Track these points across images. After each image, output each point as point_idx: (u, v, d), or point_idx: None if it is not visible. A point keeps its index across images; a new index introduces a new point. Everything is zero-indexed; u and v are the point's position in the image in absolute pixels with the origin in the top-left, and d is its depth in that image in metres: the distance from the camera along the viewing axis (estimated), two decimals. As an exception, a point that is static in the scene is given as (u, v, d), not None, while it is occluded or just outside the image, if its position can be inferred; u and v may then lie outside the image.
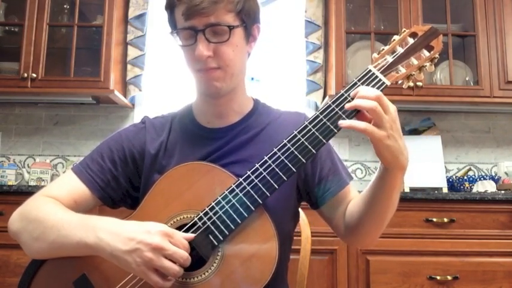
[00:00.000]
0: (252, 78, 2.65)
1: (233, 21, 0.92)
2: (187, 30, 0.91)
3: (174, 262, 0.78)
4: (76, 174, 0.98)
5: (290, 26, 2.76)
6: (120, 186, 1.01)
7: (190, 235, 0.83)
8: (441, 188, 2.43)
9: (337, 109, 0.84)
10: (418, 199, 2.08)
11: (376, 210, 0.90)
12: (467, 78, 2.55)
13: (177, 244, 0.79)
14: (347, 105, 0.81)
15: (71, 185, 0.97)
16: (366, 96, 0.79)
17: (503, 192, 2.26)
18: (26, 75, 2.37)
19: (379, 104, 0.78)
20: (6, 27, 2.68)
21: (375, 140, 0.80)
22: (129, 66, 2.62)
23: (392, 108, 0.81)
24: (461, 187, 2.49)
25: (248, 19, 0.95)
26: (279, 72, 2.75)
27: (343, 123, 0.80)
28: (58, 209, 0.90)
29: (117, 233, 0.80)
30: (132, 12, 2.62)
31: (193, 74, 0.97)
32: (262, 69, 2.69)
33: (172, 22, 0.96)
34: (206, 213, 0.85)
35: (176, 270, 0.77)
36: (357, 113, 0.83)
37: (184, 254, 0.78)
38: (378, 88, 0.86)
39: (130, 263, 0.77)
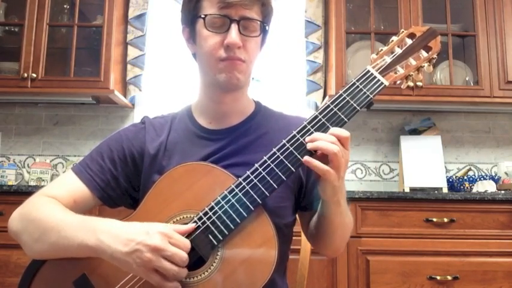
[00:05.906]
0: (252, 78, 2.65)
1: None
2: (220, 18, 0.92)
3: (174, 263, 0.78)
4: (76, 174, 0.98)
5: (290, 26, 2.76)
6: (120, 186, 1.00)
7: (190, 226, 0.83)
8: (441, 188, 2.43)
9: (335, 109, 0.86)
10: (418, 199, 2.08)
11: (329, 231, 0.96)
12: (467, 78, 2.55)
13: (177, 244, 0.78)
14: (309, 146, 0.82)
15: (71, 184, 0.97)
16: (330, 140, 0.81)
17: (503, 192, 2.26)
18: (26, 75, 2.37)
19: (342, 145, 0.81)
20: (6, 27, 2.69)
21: (327, 180, 0.82)
22: (129, 66, 2.63)
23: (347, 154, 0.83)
24: (461, 187, 2.49)
25: (267, 25, 0.99)
26: (279, 72, 2.74)
27: (306, 160, 0.82)
28: (58, 210, 0.90)
29: (117, 235, 0.80)
30: (132, 12, 2.62)
31: (212, 64, 0.95)
32: (262, 69, 2.69)
33: (194, 12, 0.96)
34: (206, 213, 0.85)
35: (175, 271, 0.77)
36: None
37: (183, 256, 0.78)
38: (376, 88, 0.87)
39: (130, 264, 0.78)
